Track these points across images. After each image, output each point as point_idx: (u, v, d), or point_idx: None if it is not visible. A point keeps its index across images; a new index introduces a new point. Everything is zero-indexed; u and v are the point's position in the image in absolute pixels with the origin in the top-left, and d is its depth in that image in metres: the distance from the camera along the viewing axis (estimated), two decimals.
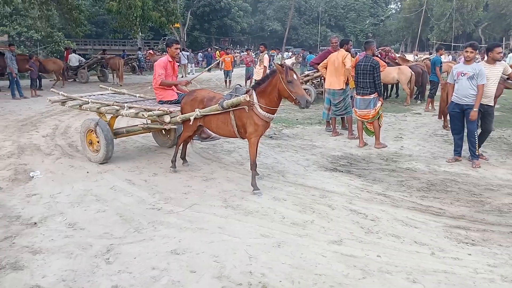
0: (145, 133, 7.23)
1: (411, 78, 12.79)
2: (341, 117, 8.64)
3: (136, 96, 7.20)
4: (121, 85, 17.99)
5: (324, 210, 4.46)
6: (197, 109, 5.25)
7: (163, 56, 6.67)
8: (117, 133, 6.46)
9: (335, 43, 8.30)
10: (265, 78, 4.99)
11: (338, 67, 7.77)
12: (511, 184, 5.49)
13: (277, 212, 4.38)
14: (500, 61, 6.36)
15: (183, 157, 6.11)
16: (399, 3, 58.60)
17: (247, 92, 5.03)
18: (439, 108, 9.36)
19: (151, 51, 30.07)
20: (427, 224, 4.22)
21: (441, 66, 11.47)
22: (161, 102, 6.21)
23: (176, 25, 23.75)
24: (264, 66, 11.50)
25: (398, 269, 3.29)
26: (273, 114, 4.97)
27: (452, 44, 36.58)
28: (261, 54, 11.59)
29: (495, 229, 4.13)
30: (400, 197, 4.99)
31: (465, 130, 6.46)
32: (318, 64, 8.42)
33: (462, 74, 6.25)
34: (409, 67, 13.09)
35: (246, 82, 18.21)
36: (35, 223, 4.15)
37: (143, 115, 5.64)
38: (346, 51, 7.85)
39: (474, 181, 5.62)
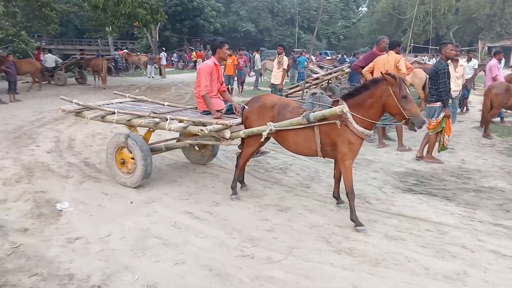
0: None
1: (426, 81, 12.23)
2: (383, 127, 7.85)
3: (164, 105, 6.12)
4: (104, 88, 16.55)
5: (464, 253, 3.58)
6: (271, 123, 4.27)
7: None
8: (153, 150, 5.34)
9: (386, 44, 7.43)
10: (361, 88, 4.10)
11: (389, 72, 6.94)
12: None
13: (410, 259, 3.46)
14: None
15: (241, 180, 5.09)
16: (371, 6, 59.01)
17: (334, 102, 4.14)
18: (482, 116, 8.77)
19: (127, 52, 28.46)
20: None
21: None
22: (206, 113, 5.18)
23: None
24: (284, 68, 10.57)
25: None
26: (371, 130, 4.09)
27: (431, 46, 37.05)
28: (279, 55, 10.65)
29: None
30: None
31: None
32: (362, 67, 7.55)
33: None
34: (423, 70, 12.54)
35: (239, 87, 17.12)
36: (100, 287, 3.03)
37: (201, 130, 4.56)
38: (396, 54, 7.06)
39: None
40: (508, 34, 39.66)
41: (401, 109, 3.81)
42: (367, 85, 4.03)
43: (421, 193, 5.22)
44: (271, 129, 4.25)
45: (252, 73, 19.61)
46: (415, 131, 4.02)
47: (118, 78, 23.23)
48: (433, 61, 25.65)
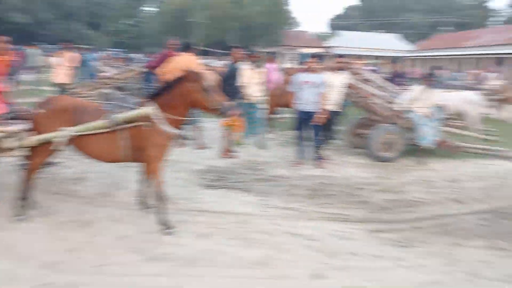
0: None
1: (217, 83, 13.01)
2: None
3: None
4: None
5: (264, 239, 3.95)
6: (69, 128, 3.82)
7: None
8: None
9: (175, 45, 7.54)
10: (166, 87, 4.06)
11: None
12: (370, 180, 6.21)
13: (222, 252, 3.61)
14: (342, 70, 7.07)
15: (29, 197, 4.34)
16: (159, 7, 59.09)
17: (141, 103, 4.00)
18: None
19: None
20: (355, 234, 4.29)
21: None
22: None
23: None
24: (73, 66, 9.55)
25: None
26: (181, 129, 4.13)
27: (215, 50, 39.69)
28: (67, 52, 9.56)
29: (404, 227, 4.56)
30: (303, 209, 4.94)
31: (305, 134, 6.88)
32: (156, 67, 7.48)
33: (307, 83, 6.65)
34: (217, 72, 13.30)
35: (14, 86, 14.69)
36: None
37: None
38: (191, 55, 7.26)
39: (341, 182, 6.06)
40: (277, 42, 45.99)
41: (207, 101, 3.90)
42: (171, 84, 4.01)
43: (222, 188, 5.53)
44: (70, 135, 3.79)
45: (29, 71, 17.17)
46: (228, 117, 4.20)
47: None
48: (219, 63, 27.60)
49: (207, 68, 13.32)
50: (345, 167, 6.87)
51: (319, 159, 6.90)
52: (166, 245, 3.72)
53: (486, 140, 8.11)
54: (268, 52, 8.88)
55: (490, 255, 3.93)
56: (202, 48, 40.84)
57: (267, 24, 46.27)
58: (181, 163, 6.58)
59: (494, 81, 14.41)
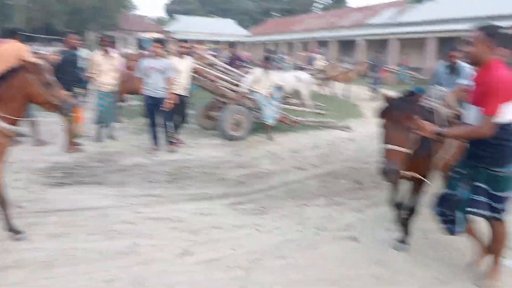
0: None
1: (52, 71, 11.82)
2: None
3: None
4: None
5: (127, 229, 3.87)
6: None
7: None
8: None
9: None
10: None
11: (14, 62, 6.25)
12: (225, 159, 6.59)
13: (82, 249, 3.42)
14: (187, 54, 7.16)
15: None
16: None
17: None
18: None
19: None
20: (217, 209, 4.54)
21: None
22: None
23: None
24: None
25: (264, 253, 3.52)
26: (18, 126, 3.69)
27: (41, 35, 35.44)
28: None
29: (259, 196, 4.99)
30: (164, 193, 4.99)
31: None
32: None
33: (152, 68, 6.60)
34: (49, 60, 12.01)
35: None
36: None
37: None
38: (18, 42, 6.42)
39: (198, 163, 6.28)
40: (112, 26, 43.38)
41: (47, 97, 3.56)
42: (4, 76, 3.53)
43: (72, 184, 5.16)
44: None
45: None
46: (68, 115, 3.92)
47: None
48: (48, 50, 24.69)
49: (38, 56, 12.02)
50: (200, 149, 7.09)
51: (173, 143, 6.95)
52: (18, 252, 3.35)
53: (318, 113, 9.29)
54: (106, 37, 8.23)
55: (331, 211, 4.60)
56: (26, 33, 36.13)
57: (99, 8, 43.10)
58: (21, 162, 5.88)
59: (320, 61, 16.36)
